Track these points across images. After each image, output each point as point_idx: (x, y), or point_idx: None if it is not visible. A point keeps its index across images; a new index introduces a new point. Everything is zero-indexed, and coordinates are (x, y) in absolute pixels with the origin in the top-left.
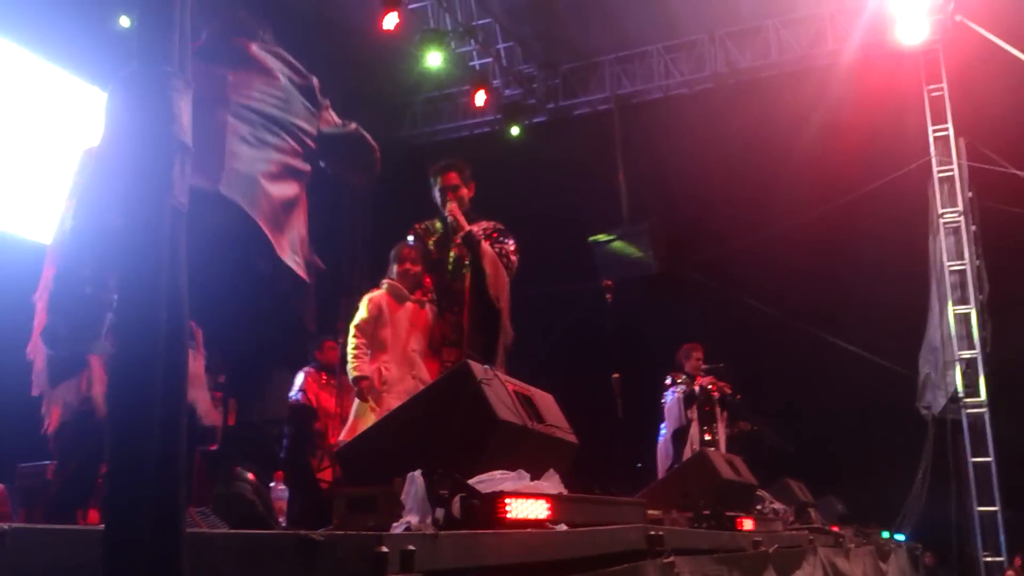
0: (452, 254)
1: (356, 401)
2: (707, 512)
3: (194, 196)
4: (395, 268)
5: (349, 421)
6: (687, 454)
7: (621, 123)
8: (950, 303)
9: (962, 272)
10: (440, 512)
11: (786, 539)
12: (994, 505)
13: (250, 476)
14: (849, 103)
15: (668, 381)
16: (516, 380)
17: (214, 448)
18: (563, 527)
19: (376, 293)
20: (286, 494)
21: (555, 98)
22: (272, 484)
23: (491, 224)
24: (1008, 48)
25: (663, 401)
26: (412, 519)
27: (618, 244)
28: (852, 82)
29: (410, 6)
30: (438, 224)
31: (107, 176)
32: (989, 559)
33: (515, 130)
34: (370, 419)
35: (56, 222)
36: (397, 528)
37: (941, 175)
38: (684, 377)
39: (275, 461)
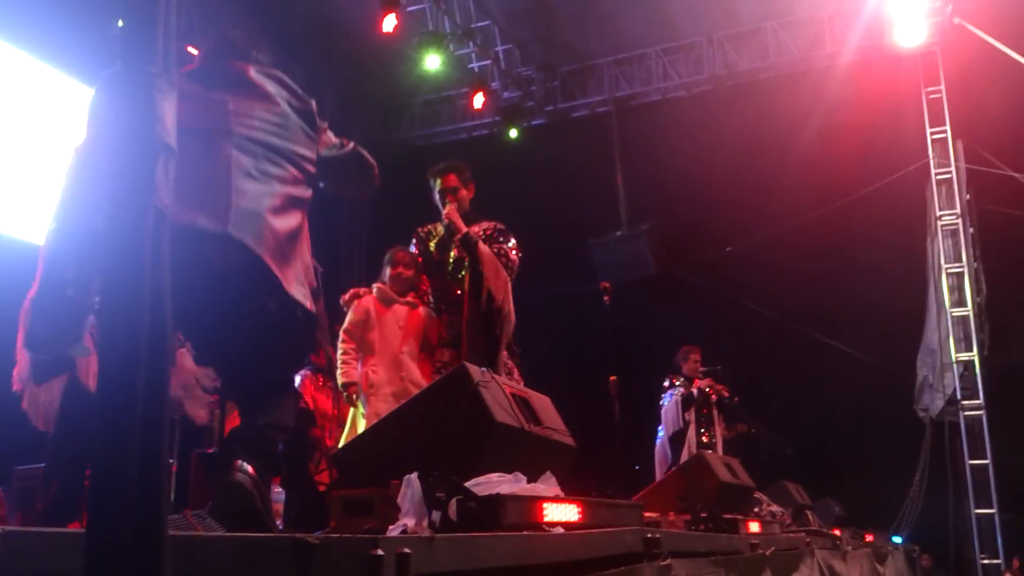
0: (452, 255)
1: (350, 408)
2: (704, 514)
3: (203, 237)
4: (387, 271)
5: (347, 427)
6: (685, 456)
7: (619, 125)
8: (948, 305)
9: (960, 274)
10: (437, 515)
11: (783, 541)
12: (991, 507)
13: (250, 470)
14: (847, 105)
15: (666, 384)
16: (514, 382)
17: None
18: (560, 530)
19: (363, 296)
20: (283, 496)
21: (553, 100)
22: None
23: (491, 224)
24: (1006, 50)
25: (661, 403)
26: (409, 522)
27: None
28: (850, 84)
29: (409, 8)
30: (439, 226)
31: (90, 177)
32: (986, 561)
33: (513, 132)
34: (360, 423)
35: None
36: (393, 531)
37: (939, 177)
38: (682, 379)
39: (276, 464)
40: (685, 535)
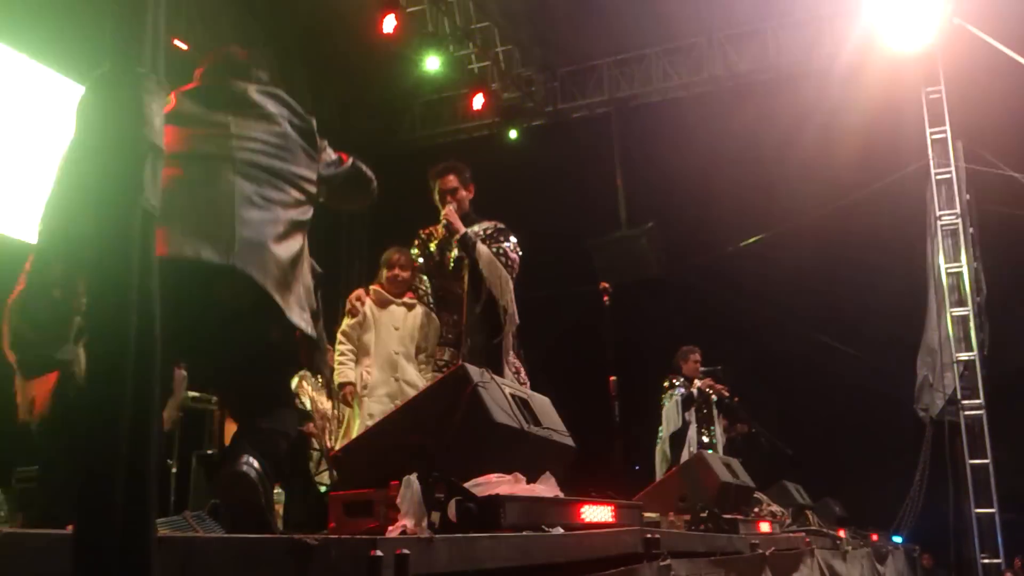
0: (452, 255)
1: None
2: (704, 515)
3: (208, 270)
4: (384, 273)
5: (343, 428)
6: (684, 457)
7: (619, 126)
8: (948, 305)
9: (960, 274)
10: (436, 516)
11: (783, 541)
12: (992, 507)
13: (256, 465)
14: (847, 106)
15: (666, 384)
16: (520, 383)
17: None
18: (559, 530)
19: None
20: (282, 497)
21: (553, 101)
22: None
23: (491, 224)
24: (1006, 51)
25: (661, 404)
26: (408, 523)
27: None
28: (850, 85)
29: (408, 10)
30: (440, 228)
31: (78, 177)
32: (987, 561)
33: (513, 133)
34: (355, 424)
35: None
36: (393, 532)
37: (939, 177)
38: (682, 380)
39: (280, 467)
40: (685, 535)
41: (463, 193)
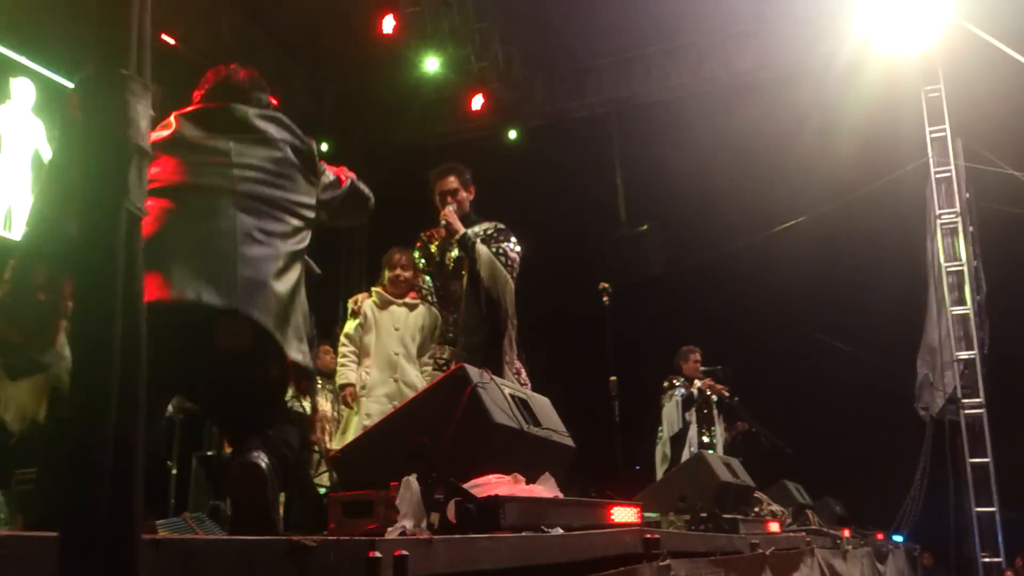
0: (452, 255)
1: (346, 409)
2: (704, 514)
3: (209, 313)
4: (386, 274)
5: (341, 429)
6: (685, 456)
7: (619, 126)
8: (948, 304)
9: (960, 273)
10: (435, 516)
11: (783, 541)
12: (992, 506)
13: (266, 461)
14: (846, 104)
15: (666, 384)
16: (521, 383)
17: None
18: (559, 531)
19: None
20: (282, 498)
21: (553, 101)
22: None
23: (492, 224)
24: (1005, 49)
25: (661, 404)
26: (407, 523)
27: None
28: (849, 83)
29: (408, 10)
30: (442, 230)
31: (63, 179)
32: (987, 560)
33: (513, 133)
34: (353, 424)
35: None
36: (392, 533)
37: (938, 176)
38: (682, 380)
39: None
40: (684, 535)
41: (463, 194)
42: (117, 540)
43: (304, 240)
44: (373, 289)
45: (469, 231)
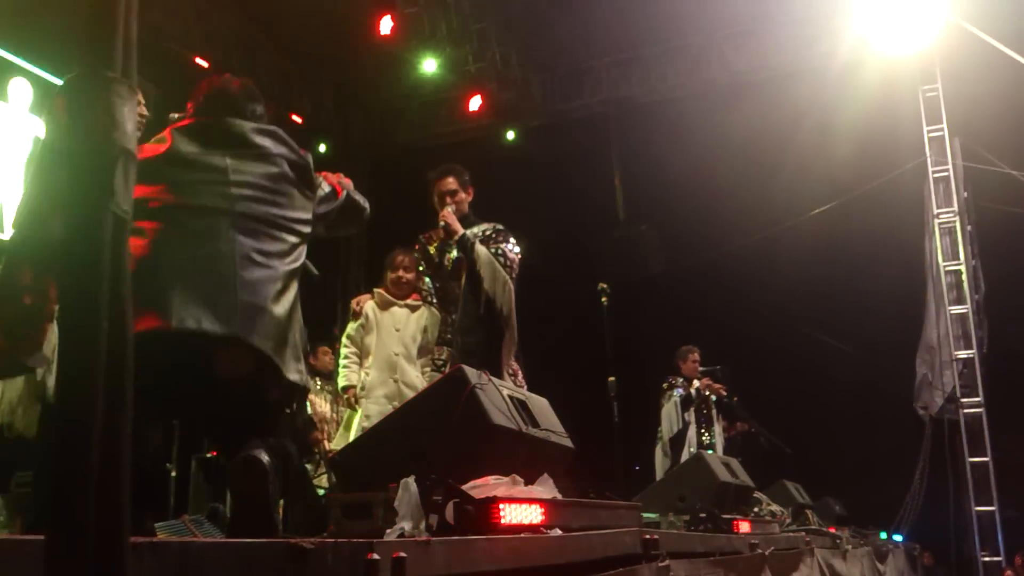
0: (451, 256)
1: (347, 410)
2: (704, 515)
3: (210, 340)
4: (388, 275)
5: (341, 429)
6: (684, 457)
7: (617, 126)
8: (946, 303)
9: (958, 272)
10: (434, 518)
11: (783, 541)
12: (992, 505)
13: (268, 458)
14: (844, 104)
15: (665, 384)
16: (516, 385)
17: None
18: (557, 532)
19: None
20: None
21: (551, 102)
22: None
23: (491, 226)
24: (1003, 48)
25: (660, 404)
26: (406, 525)
27: None
28: (847, 83)
29: (405, 11)
30: (440, 230)
31: (49, 182)
32: (987, 559)
33: (511, 134)
34: (355, 424)
35: None
36: (391, 535)
37: (936, 175)
38: (681, 380)
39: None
40: (683, 535)
41: (462, 195)
42: (104, 544)
43: (300, 256)
44: (375, 290)
45: (468, 232)
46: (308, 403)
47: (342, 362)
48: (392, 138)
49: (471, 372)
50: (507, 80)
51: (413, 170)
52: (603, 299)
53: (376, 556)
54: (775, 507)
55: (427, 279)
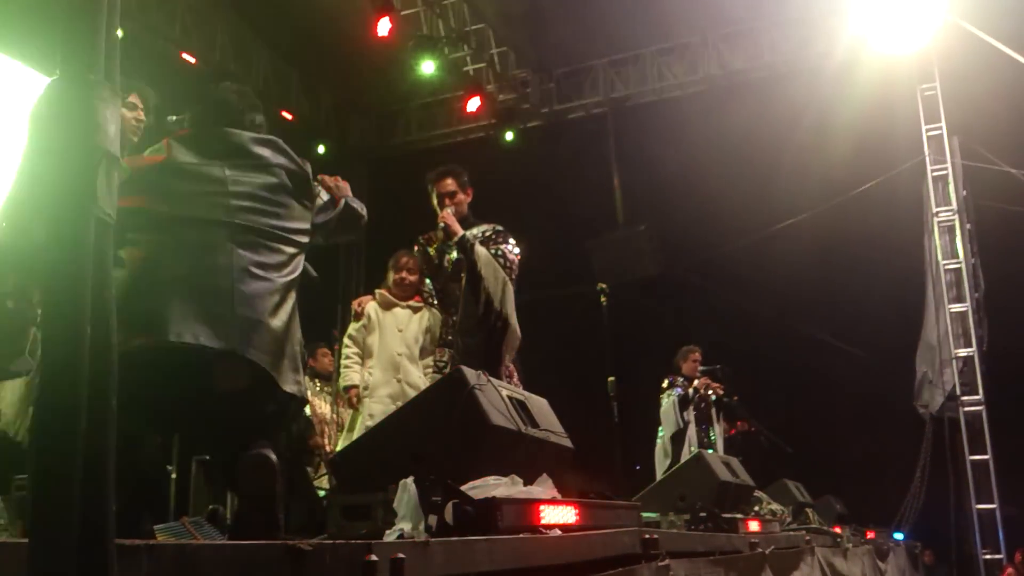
0: (450, 257)
1: (350, 412)
2: (704, 514)
3: (207, 355)
4: (391, 276)
5: (345, 430)
6: (685, 456)
7: (615, 126)
8: (946, 301)
9: (957, 270)
10: (433, 519)
11: (783, 540)
12: (992, 503)
13: (274, 458)
14: (842, 103)
15: (665, 384)
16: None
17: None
18: (557, 532)
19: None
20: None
21: (549, 102)
22: None
23: (490, 226)
24: (1000, 47)
25: (660, 403)
26: (405, 526)
27: None
28: (845, 82)
29: (403, 12)
30: (439, 231)
31: (31, 185)
32: (988, 557)
33: (509, 135)
34: (358, 424)
35: None
36: (390, 535)
37: (935, 174)
38: (681, 379)
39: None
40: (683, 535)
41: (461, 196)
42: (87, 545)
43: (299, 266)
44: (376, 291)
45: (467, 233)
46: (308, 405)
47: (343, 362)
48: (390, 139)
49: (470, 373)
50: (505, 81)
51: (412, 171)
52: (603, 299)
53: (374, 557)
54: (775, 506)
55: (428, 280)
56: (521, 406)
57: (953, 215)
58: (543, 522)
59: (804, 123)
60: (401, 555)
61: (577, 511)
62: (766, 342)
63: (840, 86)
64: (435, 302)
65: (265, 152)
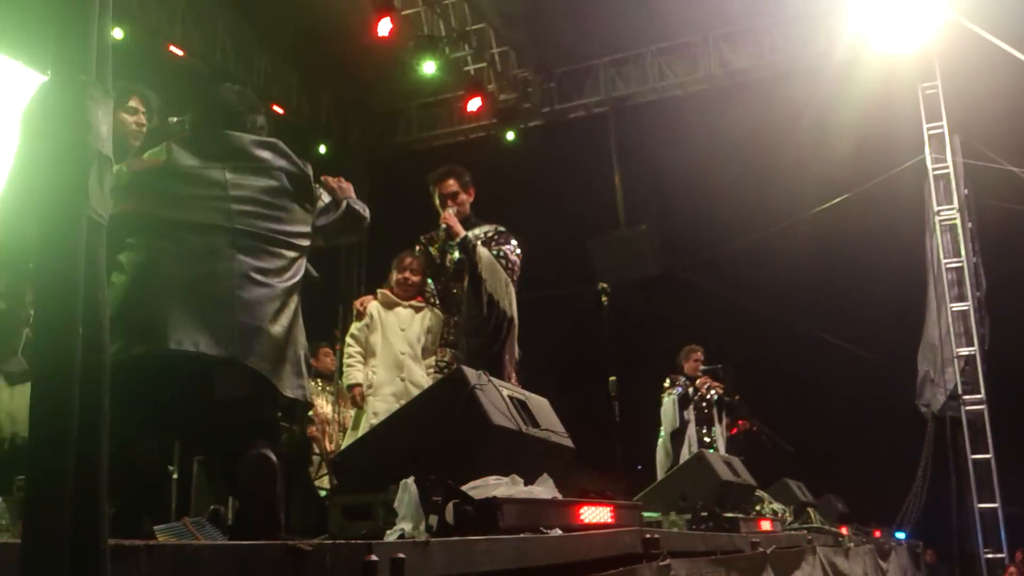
0: (452, 257)
1: (353, 411)
2: (705, 514)
3: (206, 363)
4: (394, 275)
5: (350, 429)
6: (684, 455)
7: (616, 126)
8: (948, 300)
9: (959, 269)
10: (434, 519)
11: (784, 539)
12: (994, 502)
13: (274, 458)
14: (843, 102)
15: (666, 383)
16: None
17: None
18: (557, 532)
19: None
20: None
21: (550, 102)
22: None
23: (492, 227)
24: (1002, 45)
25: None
26: (406, 526)
27: None
28: (846, 81)
29: (403, 12)
30: (440, 231)
31: (23, 186)
32: (990, 556)
33: (510, 135)
34: (363, 423)
35: None
36: (390, 535)
37: (936, 172)
38: (683, 379)
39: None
40: (684, 535)
41: (463, 197)
42: (81, 546)
43: (300, 270)
44: (379, 290)
45: (470, 234)
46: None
47: (346, 361)
48: (391, 139)
49: (470, 373)
50: (506, 81)
51: (413, 171)
52: (603, 299)
53: (374, 557)
54: (777, 505)
55: (429, 280)
56: (522, 406)
57: (954, 214)
58: (544, 522)
59: (805, 122)
60: (401, 555)
61: (578, 511)
62: (768, 341)
63: (841, 85)
64: (436, 302)
65: (266, 155)
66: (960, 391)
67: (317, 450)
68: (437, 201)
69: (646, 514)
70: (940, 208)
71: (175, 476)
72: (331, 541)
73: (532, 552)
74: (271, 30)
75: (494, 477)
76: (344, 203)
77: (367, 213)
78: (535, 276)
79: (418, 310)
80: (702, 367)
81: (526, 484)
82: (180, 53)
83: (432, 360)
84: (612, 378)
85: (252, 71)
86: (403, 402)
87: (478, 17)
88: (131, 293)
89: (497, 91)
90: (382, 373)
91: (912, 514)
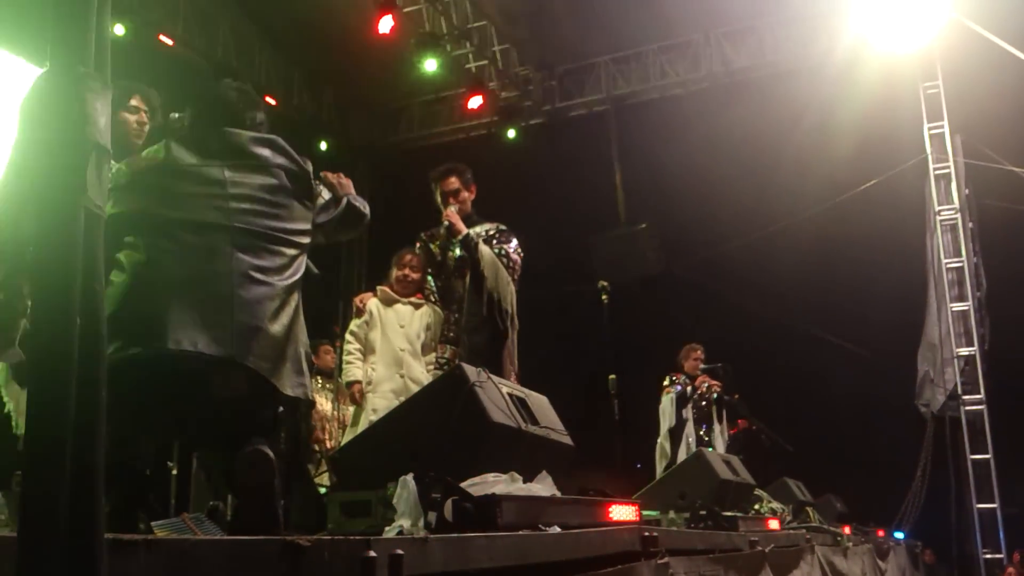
0: (453, 255)
1: (352, 408)
2: (704, 512)
3: (205, 362)
4: (394, 272)
5: (349, 426)
6: (682, 453)
7: (617, 124)
8: (948, 300)
9: (959, 269)
10: (433, 515)
11: (783, 538)
12: (993, 502)
13: (272, 454)
14: (845, 101)
15: (666, 382)
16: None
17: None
18: (556, 529)
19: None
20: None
21: (551, 100)
22: None
23: (493, 226)
24: (1003, 45)
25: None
26: (405, 523)
27: None
28: (847, 80)
29: (405, 10)
30: (442, 228)
31: (21, 177)
32: (989, 556)
33: (511, 132)
34: (362, 420)
35: None
36: (389, 532)
37: (937, 172)
38: (683, 377)
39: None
40: (683, 533)
41: (465, 194)
42: (77, 541)
43: (300, 268)
44: (378, 287)
45: (471, 232)
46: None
47: (346, 358)
48: (392, 136)
49: (470, 370)
50: (507, 78)
51: (414, 168)
52: (603, 297)
53: (373, 553)
54: (776, 504)
55: (430, 278)
56: (522, 403)
57: (955, 214)
58: (542, 519)
59: (806, 121)
60: (400, 551)
61: (576, 508)
62: (767, 340)
63: (842, 84)
64: (436, 299)
65: (265, 152)
66: (960, 391)
67: (316, 447)
68: (438, 199)
69: (645, 512)
70: (941, 208)
71: (174, 472)
72: (329, 537)
73: (531, 549)
74: (273, 27)
75: (493, 474)
76: (344, 200)
77: (367, 210)
78: (535, 274)
79: (418, 307)
80: (702, 366)
81: (525, 481)
82: (170, 43)
83: (432, 357)
84: (612, 376)
85: (254, 68)
86: (402, 399)
87: (480, 15)
88: (130, 292)
89: (498, 89)
90: (381, 370)
91: (911, 514)
